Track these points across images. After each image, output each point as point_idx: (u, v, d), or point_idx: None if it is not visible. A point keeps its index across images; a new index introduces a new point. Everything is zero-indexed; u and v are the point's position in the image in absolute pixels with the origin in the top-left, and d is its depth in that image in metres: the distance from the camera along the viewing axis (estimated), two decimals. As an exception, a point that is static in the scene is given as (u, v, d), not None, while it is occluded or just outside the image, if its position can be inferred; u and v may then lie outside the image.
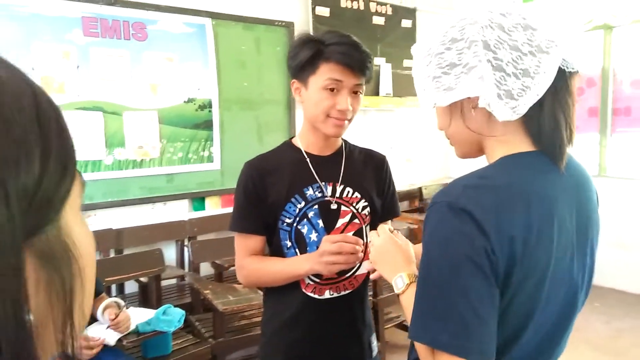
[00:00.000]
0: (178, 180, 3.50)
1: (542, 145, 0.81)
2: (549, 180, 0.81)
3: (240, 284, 3.05)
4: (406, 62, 4.78)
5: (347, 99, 1.29)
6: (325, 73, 1.28)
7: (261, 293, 2.62)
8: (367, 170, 1.45)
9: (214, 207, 3.72)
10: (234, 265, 3.31)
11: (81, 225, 0.36)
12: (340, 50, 1.27)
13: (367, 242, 1.38)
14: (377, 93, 4.52)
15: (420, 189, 4.91)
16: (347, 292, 1.40)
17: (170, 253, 3.47)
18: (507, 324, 0.77)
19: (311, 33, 4.03)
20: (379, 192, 1.45)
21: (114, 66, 3.20)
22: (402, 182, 4.65)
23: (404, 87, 4.73)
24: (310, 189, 1.36)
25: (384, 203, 1.46)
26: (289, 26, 3.95)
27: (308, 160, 1.38)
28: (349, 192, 1.39)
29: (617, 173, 4.51)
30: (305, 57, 1.30)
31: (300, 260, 1.32)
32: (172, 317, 2.10)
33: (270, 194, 1.35)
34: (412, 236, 3.58)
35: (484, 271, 0.72)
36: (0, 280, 0.28)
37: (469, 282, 0.72)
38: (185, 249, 3.51)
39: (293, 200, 1.35)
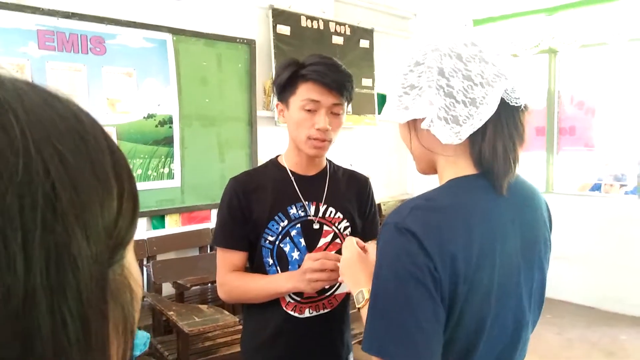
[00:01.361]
0: (136, 198, 3.40)
1: (482, 169, 0.86)
2: (492, 201, 0.86)
3: (205, 303, 3.00)
4: (364, 81, 4.88)
5: (324, 118, 1.30)
6: (303, 93, 1.30)
7: (227, 313, 2.59)
8: (350, 191, 1.46)
9: (174, 225, 3.64)
10: (196, 285, 3.27)
11: (134, 260, 0.37)
12: (317, 69, 1.29)
13: None
14: (336, 111, 4.58)
15: (379, 205, 4.99)
16: (326, 310, 1.41)
17: (128, 273, 3.36)
18: (458, 341, 0.81)
19: (272, 51, 4.10)
20: (360, 214, 1.47)
21: (70, 80, 3.10)
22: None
23: (362, 105, 4.82)
24: (294, 207, 1.37)
25: (364, 225, 1.48)
26: (250, 43, 3.97)
27: (293, 179, 1.39)
28: (331, 212, 1.41)
29: (563, 189, 4.76)
30: (284, 77, 1.32)
31: (283, 278, 1.32)
32: (138, 340, 2.04)
33: (254, 210, 1.35)
34: (373, 252, 3.62)
35: (428, 287, 0.76)
36: (93, 322, 0.28)
37: (414, 297, 0.76)
38: (145, 268, 3.41)
39: (276, 218, 1.35)
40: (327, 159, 1.47)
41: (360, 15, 4.89)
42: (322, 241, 1.39)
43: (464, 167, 0.87)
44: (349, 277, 1.07)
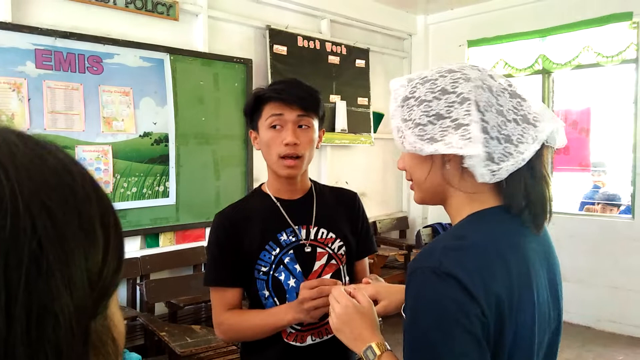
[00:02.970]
0: (131, 216, 3.40)
1: (505, 203, 0.82)
2: (520, 234, 0.82)
3: (198, 323, 2.98)
4: (360, 100, 4.91)
5: (290, 132, 1.28)
6: (267, 112, 1.31)
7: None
8: (340, 210, 1.44)
9: (168, 243, 3.62)
10: (189, 305, 3.25)
11: (117, 309, 0.37)
12: (276, 88, 1.32)
13: (346, 282, 1.39)
14: (332, 129, 4.61)
15: (374, 222, 4.99)
16: (330, 336, 1.35)
17: (120, 292, 3.34)
18: None
19: (269, 70, 4.13)
20: (353, 231, 1.44)
21: (67, 99, 3.11)
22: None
23: (358, 123, 4.85)
24: (284, 234, 1.34)
25: (359, 241, 1.45)
26: (247, 63, 4.00)
27: (279, 205, 1.37)
28: (323, 233, 1.38)
29: (558, 209, 4.77)
30: (250, 104, 1.35)
31: (282, 310, 1.28)
32: (129, 362, 2.02)
33: (243, 243, 1.32)
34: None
35: (476, 336, 0.71)
36: None
37: (463, 349, 0.71)
38: (138, 287, 3.39)
39: (267, 247, 1.33)
40: (311, 179, 1.45)
41: (357, 36, 4.94)
42: (318, 264, 1.36)
43: (485, 201, 0.83)
44: (348, 333, 0.97)
